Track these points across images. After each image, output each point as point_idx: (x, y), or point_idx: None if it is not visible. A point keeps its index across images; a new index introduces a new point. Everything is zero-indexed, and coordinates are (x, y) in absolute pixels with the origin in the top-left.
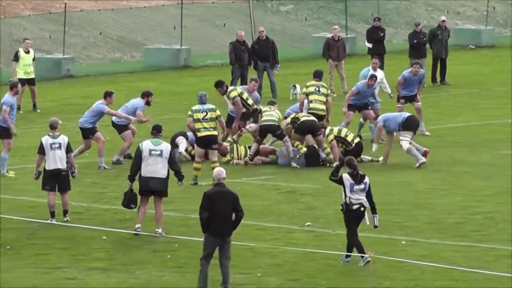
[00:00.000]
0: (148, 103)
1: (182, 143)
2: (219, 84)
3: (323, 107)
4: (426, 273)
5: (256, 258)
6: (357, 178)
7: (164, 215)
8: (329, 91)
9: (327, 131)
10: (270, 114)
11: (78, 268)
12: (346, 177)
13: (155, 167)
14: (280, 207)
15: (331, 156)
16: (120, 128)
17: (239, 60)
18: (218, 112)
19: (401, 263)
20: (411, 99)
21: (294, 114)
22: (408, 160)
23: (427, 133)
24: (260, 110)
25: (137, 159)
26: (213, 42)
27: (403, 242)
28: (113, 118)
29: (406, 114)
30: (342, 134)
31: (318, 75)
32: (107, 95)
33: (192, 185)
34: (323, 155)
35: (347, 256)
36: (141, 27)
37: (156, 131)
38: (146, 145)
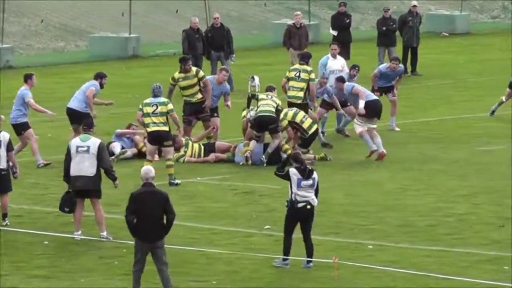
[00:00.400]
0: (101, 85)
1: (116, 147)
2: (183, 60)
3: (301, 94)
4: (396, 279)
5: (210, 264)
6: (305, 173)
7: (110, 218)
8: (311, 75)
9: (281, 115)
10: (266, 104)
11: (18, 276)
12: (293, 172)
13: (82, 165)
14: (237, 209)
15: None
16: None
17: (192, 50)
18: (169, 107)
19: (369, 269)
20: (386, 90)
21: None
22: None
23: (397, 129)
24: (257, 97)
25: (67, 158)
26: (165, 30)
27: (370, 246)
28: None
29: (373, 97)
30: (297, 120)
31: (303, 58)
32: (27, 77)
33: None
34: (283, 154)
35: (308, 262)
36: (86, 14)
37: (87, 126)
38: (74, 142)
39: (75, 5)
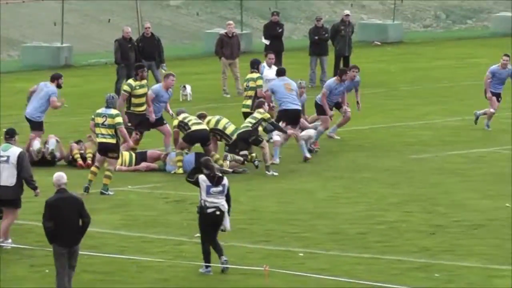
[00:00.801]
0: (59, 86)
1: (36, 145)
2: (140, 68)
3: (249, 102)
4: (327, 287)
5: (141, 273)
6: (214, 180)
7: (40, 227)
8: (258, 83)
9: (204, 122)
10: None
11: None
12: (202, 178)
13: (1, 175)
14: (168, 217)
15: (221, 162)
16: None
17: (125, 59)
18: (117, 120)
19: (300, 277)
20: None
21: (182, 117)
22: (308, 166)
23: (337, 137)
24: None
25: None
26: (97, 40)
27: (301, 254)
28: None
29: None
30: (220, 126)
31: (252, 65)
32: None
33: (83, 192)
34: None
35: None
36: (18, 23)
37: (9, 135)
38: None
39: (7, 15)
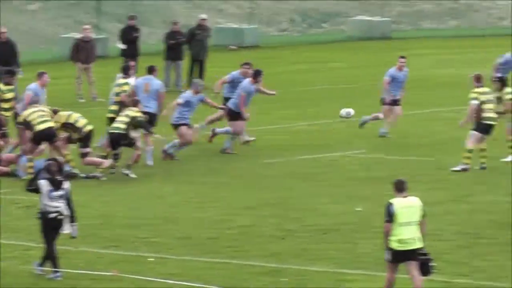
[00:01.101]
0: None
1: None
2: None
3: (114, 107)
4: None
5: None
6: (55, 184)
7: None
8: (123, 88)
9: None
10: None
11: None
12: (43, 183)
13: None
14: (18, 222)
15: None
16: None
17: None
18: None
19: (150, 282)
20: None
21: (26, 114)
22: (161, 170)
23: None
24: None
25: None
26: None
27: (152, 259)
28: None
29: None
30: (71, 120)
31: (123, 71)
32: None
33: None
34: (67, 167)
35: (55, 271)
36: None
37: None
38: None
39: None
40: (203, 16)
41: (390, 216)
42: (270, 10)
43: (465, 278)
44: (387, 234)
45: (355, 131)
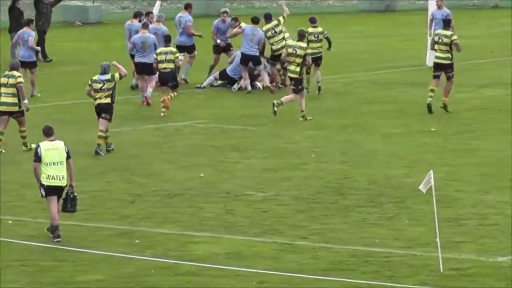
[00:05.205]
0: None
1: None
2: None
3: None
4: (35, 253)
5: None
6: None
7: None
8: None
9: None
10: None
11: None
12: None
13: None
14: None
15: None
16: None
17: None
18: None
19: (7, 243)
20: None
21: None
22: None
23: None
24: None
25: None
26: None
27: (10, 222)
28: None
29: None
30: None
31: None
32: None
33: None
34: None
35: None
36: None
37: None
38: None
39: None
40: None
41: (37, 157)
42: None
43: (304, 240)
44: (35, 172)
45: (198, 102)
